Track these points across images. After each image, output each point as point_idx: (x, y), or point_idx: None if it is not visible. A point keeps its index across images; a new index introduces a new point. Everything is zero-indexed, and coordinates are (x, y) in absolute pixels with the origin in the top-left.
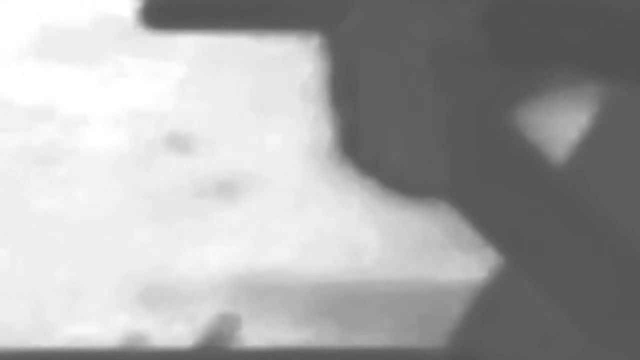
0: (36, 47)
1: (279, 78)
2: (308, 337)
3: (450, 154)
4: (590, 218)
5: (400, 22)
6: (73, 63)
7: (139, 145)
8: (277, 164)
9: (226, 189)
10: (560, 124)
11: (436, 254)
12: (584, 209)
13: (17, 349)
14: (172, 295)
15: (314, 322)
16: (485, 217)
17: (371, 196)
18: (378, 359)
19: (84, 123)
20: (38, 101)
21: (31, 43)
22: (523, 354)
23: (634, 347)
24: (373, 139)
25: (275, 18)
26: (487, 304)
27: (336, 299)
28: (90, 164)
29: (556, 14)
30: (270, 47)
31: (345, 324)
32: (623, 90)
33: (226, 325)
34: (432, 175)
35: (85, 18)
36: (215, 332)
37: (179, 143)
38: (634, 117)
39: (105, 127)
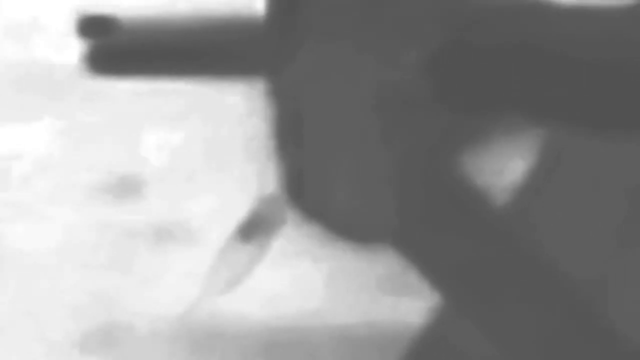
0: None
1: (223, 124)
2: None
3: (396, 199)
4: (534, 263)
5: (346, 67)
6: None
7: (88, 188)
8: (226, 210)
9: (176, 233)
10: (505, 169)
11: (382, 298)
12: (527, 254)
13: None
14: (118, 338)
15: None
16: (431, 262)
17: (318, 241)
18: None
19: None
20: None
21: None
22: None
23: None
24: (319, 185)
25: (220, 64)
26: (428, 346)
27: (285, 342)
28: (39, 201)
29: (501, 59)
30: (214, 92)
31: None
32: (566, 134)
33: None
34: (378, 220)
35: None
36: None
37: (130, 187)
38: (576, 161)
39: (62, 168)
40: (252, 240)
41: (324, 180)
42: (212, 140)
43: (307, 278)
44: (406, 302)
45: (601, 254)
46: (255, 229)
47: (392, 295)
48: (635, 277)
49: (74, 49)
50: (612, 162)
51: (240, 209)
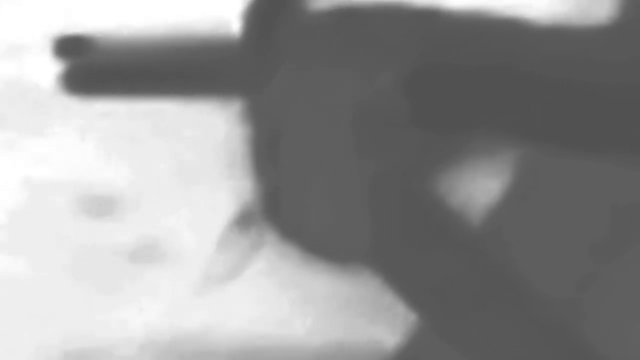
0: None
1: (201, 143)
2: None
3: (372, 218)
4: (509, 282)
5: (322, 87)
6: None
7: (57, 208)
8: (199, 228)
9: (148, 253)
10: (479, 188)
11: (356, 319)
12: (502, 274)
13: None
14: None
15: None
16: (407, 281)
17: (293, 260)
18: None
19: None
20: None
21: None
22: None
23: None
24: (295, 204)
25: (197, 84)
26: None
27: None
28: (10, 226)
29: (477, 79)
30: (193, 111)
31: None
32: (541, 154)
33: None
34: (353, 239)
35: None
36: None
37: (101, 206)
38: (550, 180)
39: (23, 187)
40: (248, 231)
41: (300, 199)
42: (187, 159)
43: (280, 299)
44: (381, 322)
45: (576, 273)
46: (250, 219)
47: (366, 316)
48: (610, 296)
49: (52, 68)
50: (586, 182)
51: (215, 228)
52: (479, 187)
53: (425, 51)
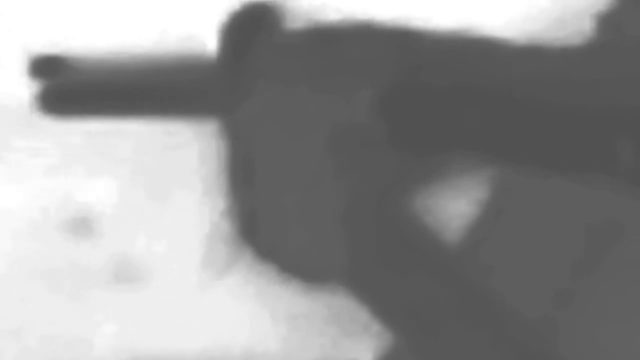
0: None
1: (177, 163)
2: None
3: (348, 239)
4: (484, 302)
5: (299, 106)
6: None
7: (34, 226)
8: (176, 248)
9: (122, 272)
10: (455, 208)
11: (333, 338)
12: (478, 293)
13: None
14: None
15: None
16: (383, 301)
17: (271, 281)
18: None
19: None
20: None
21: None
22: None
23: None
24: (271, 225)
25: (172, 104)
26: None
27: None
28: None
29: (453, 99)
30: (168, 132)
31: None
32: (517, 174)
33: None
34: (330, 260)
35: None
36: None
37: (78, 225)
38: (526, 200)
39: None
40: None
41: (276, 220)
42: (163, 179)
43: (259, 318)
44: (357, 341)
45: (551, 291)
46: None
47: (343, 335)
48: (585, 313)
49: (27, 88)
50: (560, 201)
51: (192, 248)
52: (455, 207)
53: (401, 71)
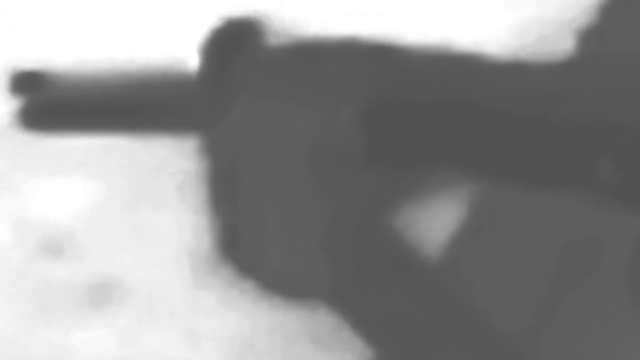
0: None
1: (158, 179)
2: None
3: (330, 255)
4: (466, 317)
5: (280, 123)
6: None
7: (9, 249)
8: (154, 267)
9: (100, 294)
10: (437, 224)
11: (315, 354)
12: (459, 309)
13: None
14: None
15: None
16: (365, 317)
17: (252, 296)
18: None
19: None
20: None
21: None
22: None
23: None
24: (253, 240)
25: (154, 119)
26: None
27: None
28: None
29: (434, 115)
30: (149, 148)
31: None
32: (498, 189)
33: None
34: (312, 276)
35: None
36: None
37: (53, 247)
38: (507, 214)
39: None
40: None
41: (258, 235)
42: (143, 196)
43: (239, 332)
44: (339, 356)
45: (531, 306)
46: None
47: (324, 351)
48: (567, 331)
49: (7, 103)
50: (542, 217)
51: (171, 266)
52: (436, 222)
53: (383, 87)
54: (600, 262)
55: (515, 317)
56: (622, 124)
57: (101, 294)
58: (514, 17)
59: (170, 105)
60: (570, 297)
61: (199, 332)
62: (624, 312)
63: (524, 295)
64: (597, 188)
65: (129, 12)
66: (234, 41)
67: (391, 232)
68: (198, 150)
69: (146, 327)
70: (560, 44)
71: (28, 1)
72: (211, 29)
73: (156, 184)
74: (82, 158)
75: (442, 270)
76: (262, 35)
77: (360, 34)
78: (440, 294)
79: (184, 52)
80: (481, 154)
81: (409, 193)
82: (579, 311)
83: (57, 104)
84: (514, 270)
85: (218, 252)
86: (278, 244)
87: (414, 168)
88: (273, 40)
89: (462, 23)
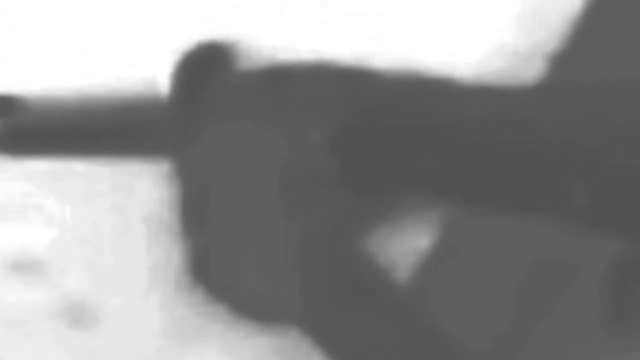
0: None
1: (129, 203)
2: None
3: (301, 278)
4: (435, 341)
5: (251, 146)
6: None
7: None
8: (123, 291)
9: (71, 315)
10: (407, 248)
11: None
12: (429, 332)
13: None
14: None
15: None
16: (335, 341)
17: (223, 320)
18: None
19: None
20: None
21: None
22: None
23: None
24: (224, 264)
25: (125, 144)
26: None
27: None
28: None
29: (405, 139)
30: (120, 172)
31: None
32: (467, 213)
33: None
34: (283, 300)
35: None
36: None
37: (24, 269)
38: (478, 240)
39: None
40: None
41: (229, 259)
42: (115, 220)
43: (215, 357)
44: None
45: (499, 328)
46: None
47: None
48: (537, 352)
49: None
50: (513, 242)
51: (142, 288)
52: (407, 246)
53: (354, 111)
54: (571, 285)
55: (485, 342)
56: (591, 147)
57: (73, 318)
58: (485, 42)
59: (141, 130)
60: (542, 320)
61: (172, 355)
62: (596, 335)
63: (494, 319)
64: (568, 212)
65: (100, 36)
66: (204, 65)
67: (362, 256)
68: (169, 174)
69: (118, 350)
70: (530, 69)
71: None
72: (182, 53)
73: (127, 207)
74: (52, 182)
75: (413, 294)
76: (233, 59)
77: (331, 57)
78: (410, 317)
79: (154, 76)
80: (452, 178)
81: (380, 216)
82: (551, 334)
83: (30, 128)
84: (484, 294)
85: (189, 276)
86: (249, 267)
87: (384, 191)
88: (244, 64)
89: (434, 47)
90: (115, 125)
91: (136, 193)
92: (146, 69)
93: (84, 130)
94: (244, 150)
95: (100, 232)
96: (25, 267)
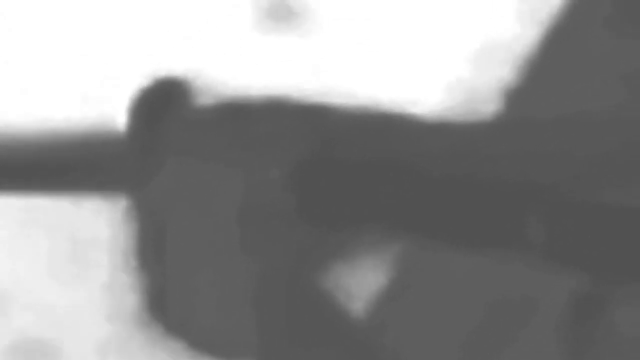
0: None
1: (84, 240)
2: None
3: (259, 314)
4: None
5: (208, 182)
6: None
7: None
8: (82, 327)
9: (28, 353)
10: (365, 283)
11: None
12: None
13: None
14: None
15: None
16: None
17: (180, 357)
18: None
19: None
20: None
21: None
22: None
23: None
24: (181, 300)
25: (81, 179)
26: None
27: None
28: None
29: (361, 173)
30: (77, 208)
31: None
32: (423, 248)
33: None
34: (240, 336)
35: None
36: None
37: None
38: (435, 275)
39: None
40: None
41: (185, 295)
42: (72, 256)
43: None
44: None
45: None
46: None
47: None
48: None
49: None
50: (470, 276)
51: (100, 322)
52: (364, 281)
53: (312, 146)
54: (529, 321)
55: None
56: (548, 183)
57: (29, 354)
58: (442, 77)
59: (98, 165)
60: (502, 355)
61: None
62: None
63: (451, 354)
64: (525, 247)
65: (56, 71)
66: (162, 101)
67: (320, 291)
68: (127, 209)
69: None
70: (487, 105)
71: None
72: (139, 89)
73: (83, 244)
74: (7, 218)
75: (370, 329)
76: (191, 94)
77: (288, 92)
78: (368, 353)
79: (112, 112)
80: (409, 213)
81: (338, 252)
82: None
83: None
84: (440, 329)
85: (145, 312)
86: (206, 303)
87: (342, 226)
88: (201, 99)
89: (391, 82)
90: (73, 160)
91: (93, 228)
92: (103, 104)
93: (41, 166)
94: (202, 185)
95: (55, 269)
96: None
